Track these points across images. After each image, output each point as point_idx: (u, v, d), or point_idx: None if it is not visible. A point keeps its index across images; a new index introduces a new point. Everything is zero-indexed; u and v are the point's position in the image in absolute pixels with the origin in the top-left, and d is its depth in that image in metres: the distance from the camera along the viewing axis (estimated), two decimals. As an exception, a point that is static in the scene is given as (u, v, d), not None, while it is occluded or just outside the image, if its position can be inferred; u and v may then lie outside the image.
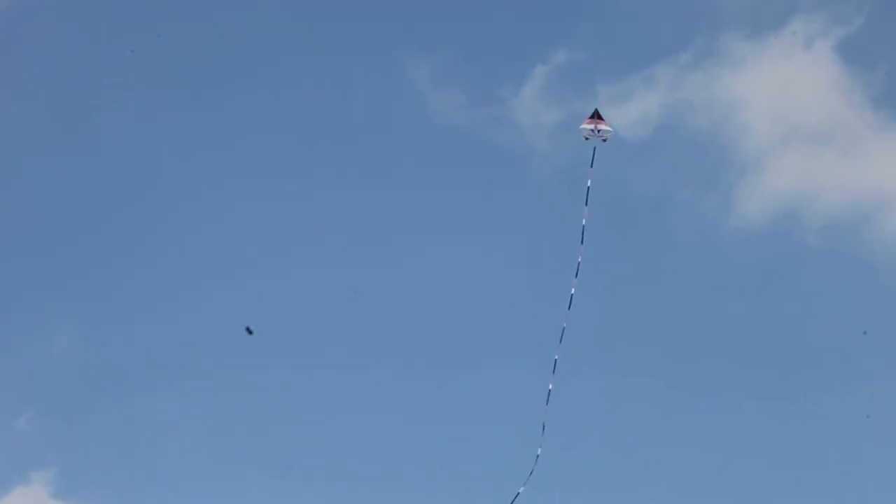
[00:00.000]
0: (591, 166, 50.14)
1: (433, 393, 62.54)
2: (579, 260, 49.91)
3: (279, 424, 61.25)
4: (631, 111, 68.94)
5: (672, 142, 68.92)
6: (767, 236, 66.34)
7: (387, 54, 71.18)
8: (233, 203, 68.25)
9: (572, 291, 49.68)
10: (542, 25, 72.31)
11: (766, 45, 70.71)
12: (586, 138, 49.60)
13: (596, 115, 49.63)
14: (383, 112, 70.37)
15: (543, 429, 48.66)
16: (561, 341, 49.15)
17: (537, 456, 48.81)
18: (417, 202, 68.33)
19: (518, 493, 48.72)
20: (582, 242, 50.09)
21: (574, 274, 49.67)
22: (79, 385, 62.49)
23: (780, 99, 70.01)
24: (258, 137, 70.34)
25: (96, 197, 68.68)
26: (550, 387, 48.83)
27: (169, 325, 64.41)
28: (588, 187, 50.22)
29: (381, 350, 63.61)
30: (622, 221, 66.22)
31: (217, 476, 59.77)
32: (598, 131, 49.50)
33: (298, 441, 60.99)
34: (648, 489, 57.91)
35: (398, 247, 67.36)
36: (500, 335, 63.65)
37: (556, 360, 48.95)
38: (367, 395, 62.30)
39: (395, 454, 60.58)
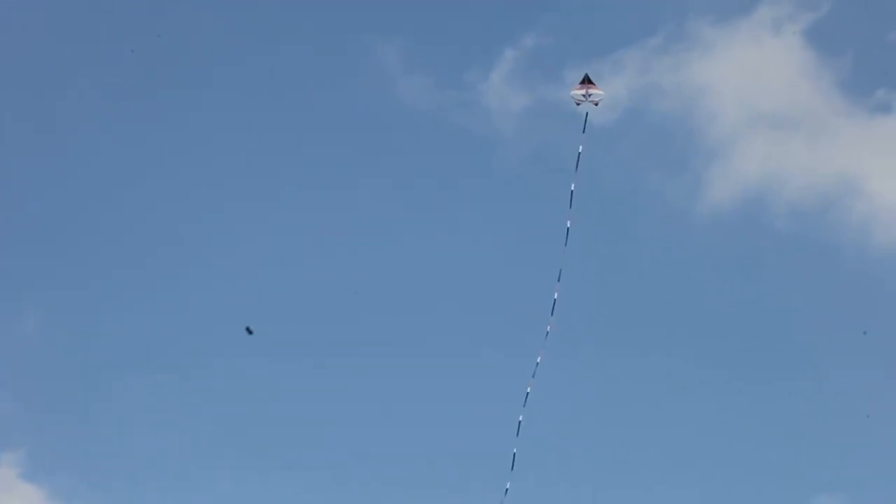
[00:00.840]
0: (584, 132, 50.04)
1: (398, 382, 62.68)
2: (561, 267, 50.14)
3: (251, 414, 61.34)
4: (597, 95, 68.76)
5: (640, 127, 69.06)
6: (735, 221, 66.67)
7: (355, 37, 71.21)
8: (201, 192, 68.31)
9: (555, 296, 49.77)
10: (512, 9, 72.33)
11: (734, 30, 70.89)
12: (577, 104, 49.43)
13: (586, 80, 49.42)
14: (351, 95, 70.42)
15: (518, 429, 48.85)
16: (547, 339, 49.55)
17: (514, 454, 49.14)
18: (384, 187, 68.35)
19: (507, 490, 49.09)
20: (566, 244, 50.04)
21: (557, 277, 49.72)
22: (49, 368, 62.51)
23: (748, 84, 70.24)
24: (226, 125, 70.31)
25: (75, 189, 68.84)
26: (529, 389, 48.98)
27: (140, 313, 64.50)
28: (579, 153, 50.12)
29: (351, 340, 63.71)
30: (590, 206, 66.01)
31: (186, 462, 59.92)
32: (590, 95, 49.30)
33: (266, 432, 61.10)
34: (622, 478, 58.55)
35: (365, 233, 67.39)
36: (467, 322, 63.87)
37: (536, 362, 49.10)
38: (341, 387, 62.50)
39: (374, 447, 60.90)
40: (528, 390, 48.70)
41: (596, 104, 49.18)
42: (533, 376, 48.59)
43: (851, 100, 68.93)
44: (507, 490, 48.72)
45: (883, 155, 67.29)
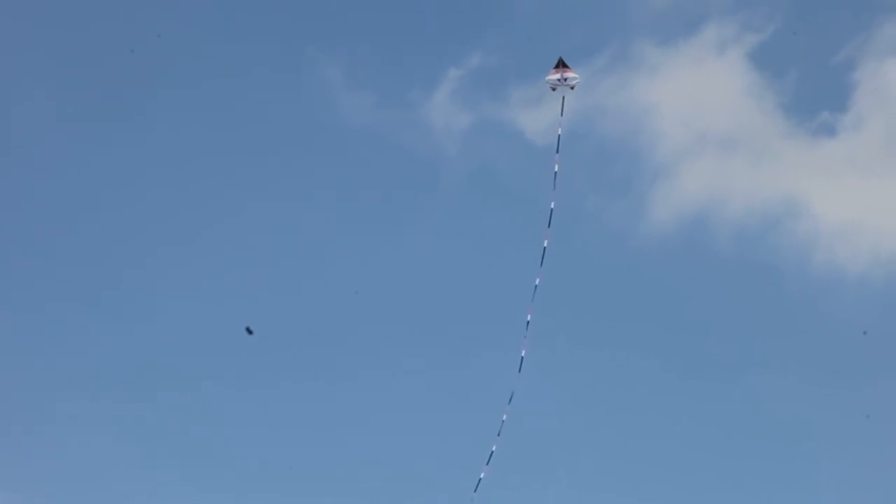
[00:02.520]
0: (562, 114, 49.87)
1: (319, 395, 62.31)
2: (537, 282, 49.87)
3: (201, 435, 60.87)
4: (542, 116, 68.69)
5: (584, 147, 68.81)
6: (678, 243, 66.55)
7: (297, 52, 71.09)
8: (144, 199, 67.78)
9: (528, 317, 49.56)
10: (457, 28, 72.22)
11: (679, 52, 70.94)
12: (553, 88, 49.31)
13: (561, 64, 49.27)
14: (293, 111, 70.05)
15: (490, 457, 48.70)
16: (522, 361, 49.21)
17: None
18: (326, 204, 67.90)
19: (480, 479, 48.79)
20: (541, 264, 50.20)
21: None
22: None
23: (693, 105, 70.39)
24: (169, 135, 69.69)
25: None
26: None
27: (82, 333, 63.79)
28: (559, 135, 50.12)
29: (298, 359, 63.28)
30: (532, 227, 65.83)
31: (128, 480, 59.13)
32: (565, 79, 49.14)
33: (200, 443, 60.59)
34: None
35: (306, 250, 66.92)
36: (410, 339, 63.47)
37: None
38: (277, 401, 61.98)
39: (313, 456, 60.41)
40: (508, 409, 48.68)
41: (572, 88, 49.15)
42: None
43: (795, 122, 69.29)
44: (479, 480, 48.56)
45: (825, 177, 67.78)
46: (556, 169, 50.04)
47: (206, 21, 71.42)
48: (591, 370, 61.51)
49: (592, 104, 69.04)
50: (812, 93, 70.08)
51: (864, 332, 60.04)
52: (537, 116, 68.40)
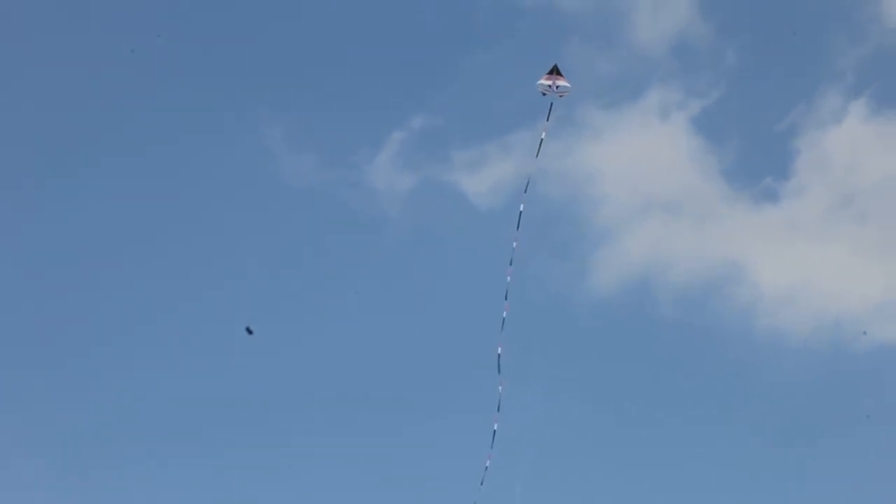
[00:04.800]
0: (547, 120, 49.79)
1: (288, 458, 61.31)
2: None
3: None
4: (485, 179, 68.71)
5: (527, 211, 68.46)
6: (621, 306, 66.33)
7: (240, 112, 70.63)
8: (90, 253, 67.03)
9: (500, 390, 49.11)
10: (401, 90, 72.18)
11: (623, 116, 71.10)
12: (543, 94, 49.18)
13: (555, 71, 49.13)
14: (235, 170, 69.73)
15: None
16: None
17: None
18: (267, 264, 67.21)
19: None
20: (506, 298, 50.07)
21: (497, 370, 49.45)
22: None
23: (636, 170, 70.47)
24: (111, 194, 69.13)
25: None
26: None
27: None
28: (542, 139, 50.05)
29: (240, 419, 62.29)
30: (472, 291, 65.76)
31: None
32: (556, 87, 48.99)
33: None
34: None
35: (246, 309, 65.78)
36: (353, 404, 62.63)
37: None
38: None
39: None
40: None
41: (561, 96, 49.06)
42: None
43: (738, 187, 69.50)
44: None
45: (768, 242, 68.11)
46: (526, 184, 50.64)
47: (149, 79, 71.10)
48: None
49: (537, 167, 68.97)
50: (755, 159, 70.66)
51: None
52: (479, 179, 68.63)
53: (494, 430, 49.85)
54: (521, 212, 50.58)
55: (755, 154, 70.59)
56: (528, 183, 50.90)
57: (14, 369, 62.09)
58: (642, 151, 70.34)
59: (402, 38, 72.99)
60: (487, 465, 49.53)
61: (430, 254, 67.57)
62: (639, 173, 69.97)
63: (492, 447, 49.76)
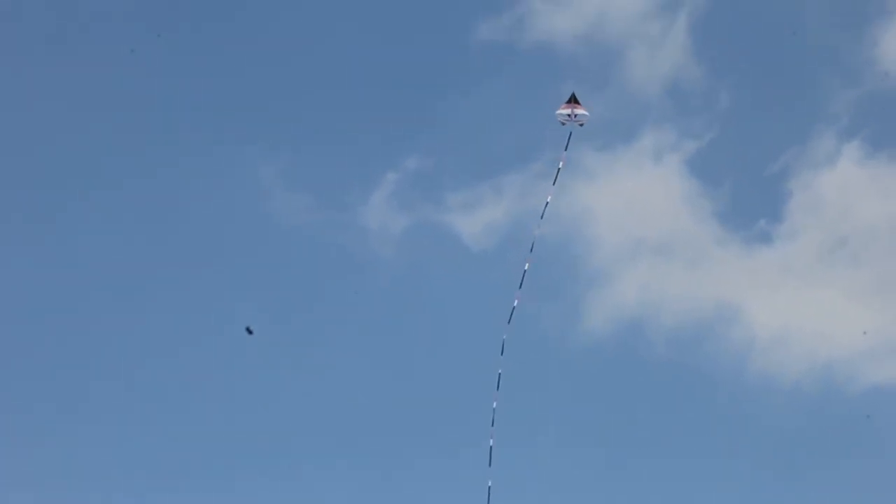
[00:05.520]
0: (566, 149, 49.81)
1: None
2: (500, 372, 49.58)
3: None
4: (478, 220, 68.77)
5: (519, 252, 68.41)
6: (613, 348, 66.20)
7: (234, 151, 70.49)
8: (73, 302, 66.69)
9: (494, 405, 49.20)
10: (395, 130, 72.23)
11: (616, 158, 71.17)
12: (563, 123, 49.22)
13: (573, 100, 49.16)
14: (229, 210, 69.67)
15: None
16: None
17: None
18: (260, 304, 66.87)
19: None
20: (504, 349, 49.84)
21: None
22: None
23: (629, 211, 70.52)
24: (102, 233, 68.84)
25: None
26: None
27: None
28: (558, 169, 50.05)
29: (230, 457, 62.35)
30: (466, 332, 65.74)
31: None
32: (575, 116, 49.07)
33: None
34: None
35: (239, 350, 65.79)
36: (330, 441, 62.66)
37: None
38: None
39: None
40: None
41: (581, 125, 49.11)
42: None
43: (731, 229, 69.52)
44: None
45: (760, 284, 67.92)
46: (543, 210, 50.96)
47: (143, 116, 71.27)
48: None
49: (530, 208, 68.99)
50: (748, 201, 70.62)
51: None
52: (473, 220, 68.66)
53: (490, 455, 49.71)
54: (524, 270, 50.46)
55: (748, 196, 70.79)
56: (545, 207, 50.95)
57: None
58: (636, 193, 70.55)
59: (397, 78, 73.36)
60: None
61: (423, 295, 67.62)
62: (632, 215, 70.17)
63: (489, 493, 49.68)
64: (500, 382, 51.37)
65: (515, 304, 49.81)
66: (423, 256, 68.51)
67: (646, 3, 73.41)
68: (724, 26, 74.05)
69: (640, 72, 72.55)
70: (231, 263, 67.90)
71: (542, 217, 51.29)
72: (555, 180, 50.33)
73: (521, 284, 50.65)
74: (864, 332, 63.41)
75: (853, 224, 69.30)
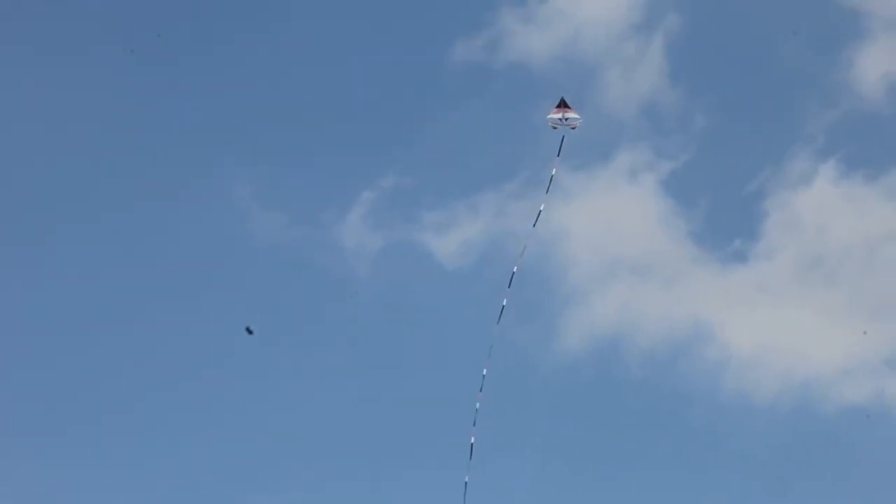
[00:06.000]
0: (559, 155, 49.58)
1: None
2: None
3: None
4: (453, 239, 68.74)
5: (495, 271, 68.39)
6: (589, 368, 66.11)
7: (208, 169, 70.43)
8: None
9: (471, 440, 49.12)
10: (371, 149, 72.30)
11: (592, 178, 71.20)
12: (554, 127, 49.09)
13: (563, 104, 49.04)
14: (203, 228, 69.44)
15: None
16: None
17: None
18: (234, 323, 66.36)
19: None
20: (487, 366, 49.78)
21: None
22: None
23: (605, 231, 70.51)
24: (79, 253, 68.67)
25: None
26: None
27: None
28: (552, 175, 49.58)
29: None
30: (441, 351, 65.68)
31: None
32: (566, 120, 48.93)
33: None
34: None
35: (215, 370, 65.57)
36: (307, 459, 62.27)
37: None
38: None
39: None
40: None
41: (573, 128, 48.98)
42: None
43: (707, 248, 69.61)
44: None
45: (736, 304, 67.92)
46: (538, 212, 49.72)
47: (118, 135, 71.18)
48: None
49: (505, 228, 69.16)
50: (724, 221, 70.72)
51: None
52: (448, 239, 68.64)
53: (466, 483, 49.56)
54: (503, 305, 50.38)
55: (724, 216, 70.91)
56: (537, 216, 50.82)
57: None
58: (612, 213, 70.56)
59: (373, 97, 73.48)
60: None
61: (399, 313, 67.44)
62: (608, 235, 70.19)
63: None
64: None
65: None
66: (400, 275, 68.52)
67: (621, 23, 73.79)
68: (700, 47, 74.53)
69: (616, 92, 72.84)
70: (207, 281, 67.85)
71: (534, 225, 50.97)
72: (548, 188, 50.17)
73: (499, 316, 50.28)
74: (864, 332, 64.03)
75: (829, 244, 69.55)
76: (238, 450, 62.52)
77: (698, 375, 65.18)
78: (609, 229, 70.25)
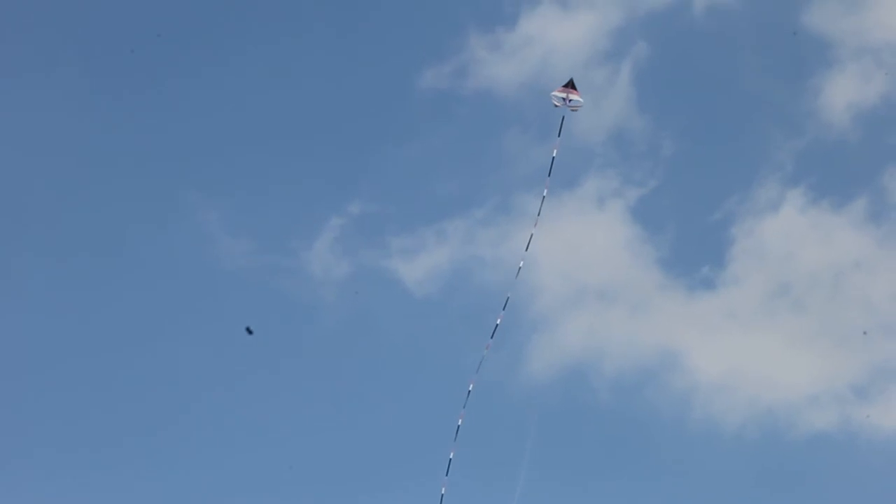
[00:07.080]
0: (559, 135, 49.55)
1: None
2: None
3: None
4: (421, 265, 68.64)
5: (462, 298, 68.44)
6: (555, 395, 65.96)
7: (175, 195, 70.34)
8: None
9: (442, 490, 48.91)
10: (339, 176, 72.37)
11: (560, 204, 71.16)
12: (556, 105, 48.85)
13: (570, 85, 48.83)
14: (170, 254, 69.24)
15: None
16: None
17: None
18: (200, 349, 66.53)
19: None
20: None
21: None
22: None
23: (572, 258, 70.45)
24: (49, 281, 68.28)
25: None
26: None
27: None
28: (553, 157, 49.78)
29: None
30: (409, 377, 65.50)
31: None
32: (570, 101, 48.70)
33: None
34: None
35: (181, 394, 65.26)
36: (271, 487, 61.75)
37: None
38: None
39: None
40: None
41: (574, 110, 48.89)
42: None
43: (674, 275, 69.77)
44: None
45: (703, 330, 68.15)
46: (538, 213, 51.11)
47: (83, 162, 71.01)
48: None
49: (472, 254, 69.17)
50: (691, 248, 71.04)
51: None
52: (415, 265, 68.51)
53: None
54: (496, 324, 50.30)
55: (692, 243, 71.17)
56: (538, 213, 50.75)
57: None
58: (579, 240, 70.73)
59: (341, 123, 73.53)
60: None
61: (367, 340, 67.33)
62: (575, 261, 70.18)
63: None
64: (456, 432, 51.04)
65: (470, 388, 49.50)
66: (367, 301, 68.36)
67: (589, 51, 74.05)
68: (668, 75, 74.94)
69: (584, 120, 72.57)
70: (173, 307, 67.66)
71: (526, 249, 50.92)
72: (549, 171, 50.21)
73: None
74: (865, 332, 64.32)
75: (796, 271, 69.79)
76: (205, 476, 62.45)
77: (666, 402, 65.36)
78: (576, 256, 70.42)
